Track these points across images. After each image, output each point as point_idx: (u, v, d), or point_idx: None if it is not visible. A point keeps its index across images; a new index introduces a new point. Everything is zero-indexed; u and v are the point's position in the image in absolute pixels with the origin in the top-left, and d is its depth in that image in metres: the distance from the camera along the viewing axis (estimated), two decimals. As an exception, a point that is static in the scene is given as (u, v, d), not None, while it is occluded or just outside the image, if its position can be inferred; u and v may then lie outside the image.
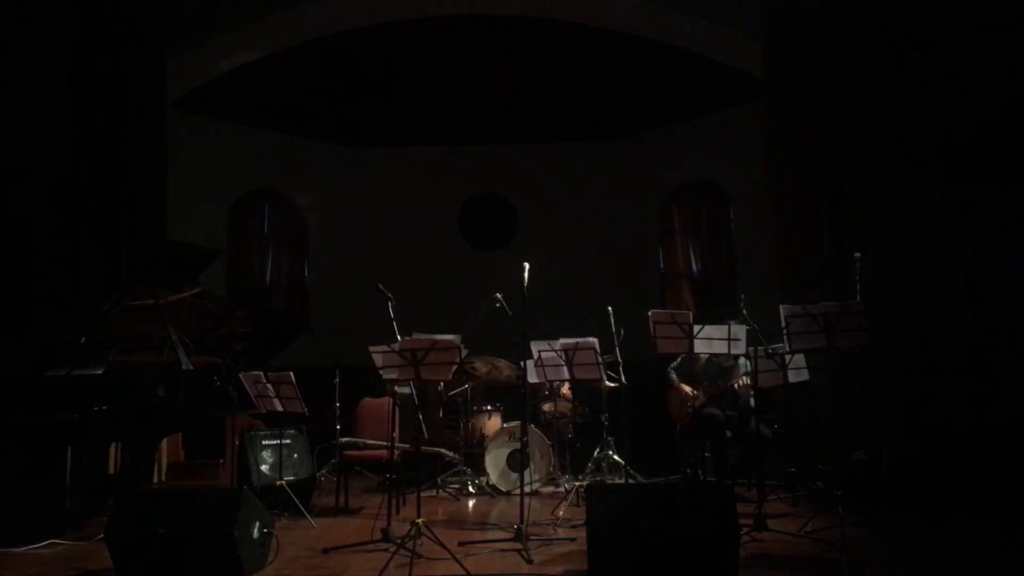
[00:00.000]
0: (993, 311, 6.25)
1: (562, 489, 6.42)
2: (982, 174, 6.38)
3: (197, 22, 7.47)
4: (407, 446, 5.98)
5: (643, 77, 8.83)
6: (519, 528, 4.74)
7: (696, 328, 5.25)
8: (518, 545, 4.64)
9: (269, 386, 5.66)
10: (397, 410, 5.47)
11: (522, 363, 5.62)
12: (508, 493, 6.51)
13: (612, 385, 6.37)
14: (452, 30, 8.04)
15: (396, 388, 5.59)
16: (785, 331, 4.80)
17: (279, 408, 5.69)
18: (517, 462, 6.42)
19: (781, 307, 4.84)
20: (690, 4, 7.41)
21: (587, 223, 9.94)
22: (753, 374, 5.43)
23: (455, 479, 6.88)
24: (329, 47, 8.16)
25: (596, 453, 6.65)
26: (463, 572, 4.14)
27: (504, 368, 7.18)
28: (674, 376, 6.47)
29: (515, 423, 6.55)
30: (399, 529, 4.71)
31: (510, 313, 5.93)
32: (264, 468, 6.15)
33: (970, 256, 6.41)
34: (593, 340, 5.89)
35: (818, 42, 6.85)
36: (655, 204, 9.86)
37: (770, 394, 6.39)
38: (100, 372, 5.09)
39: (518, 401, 5.81)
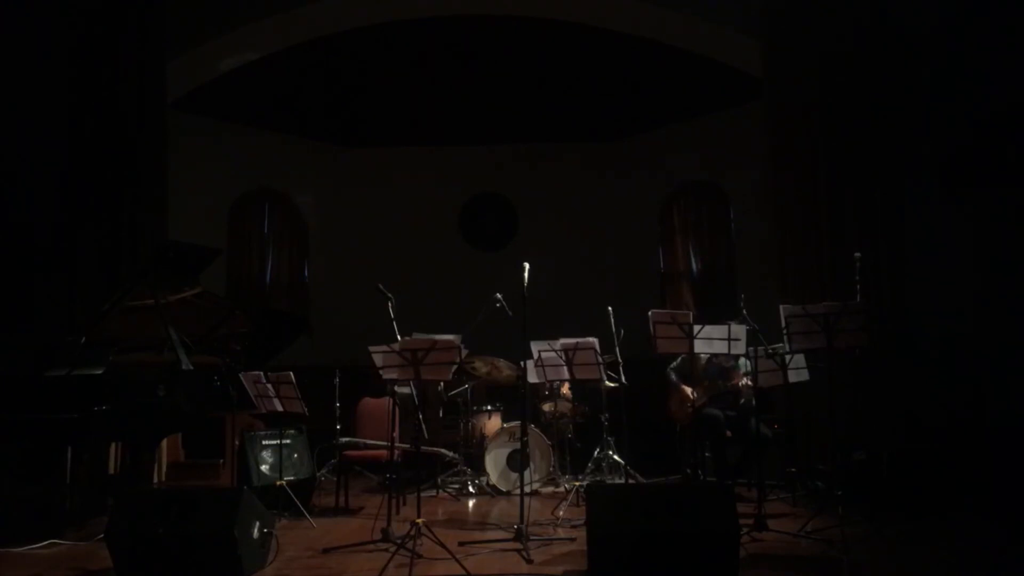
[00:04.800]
0: (993, 311, 6.26)
1: (562, 489, 6.42)
2: (981, 174, 6.39)
3: (197, 22, 7.48)
4: (407, 446, 5.97)
5: (643, 77, 8.83)
6: (519, 528, 4.74)
7: (696, 328, 5.25)
8: (518, 545, 4.63)
9: (269, 386, 5.66)
10: (397, 410, 5.48)
11: (522, 363, 5.61)
12: (508, 493, 6.51)
13: (612, 385, 6.37)
14: (452, 30, 8.04)
15: (396, 388, 5.59)
16: (785, 331, 4.80)
17: (279, 408, 5.68)
18: (517, 462, 6.42)
19: (781, 307, 4.85)
20: (690, 4, 7.42)
21: (587, 223, 9.93)
22: (753, 374, 5.44)
23: (455, 479, 6.88)
24: (329, 47, 8.16)
25: (596, 453, 6.66)
26: (463, 572, 4.14)
27: (504, 368, 7.18)
28: (673, 376, 6.47)
29: (515, 423, 6.55)
30: (399, 529, 4.71)
31: (511, 314, 5.93)
32: (264, 468, 6.15)
33: (970, 256, 6.42)
34: (593, 340, 5.88)
35: (818, 42, 6.86)
36: (655, 204, 9.86)
37: (770, 394, 6.40)
38: (100, 372, 5.08)
39: (518, 401, 5.81)
